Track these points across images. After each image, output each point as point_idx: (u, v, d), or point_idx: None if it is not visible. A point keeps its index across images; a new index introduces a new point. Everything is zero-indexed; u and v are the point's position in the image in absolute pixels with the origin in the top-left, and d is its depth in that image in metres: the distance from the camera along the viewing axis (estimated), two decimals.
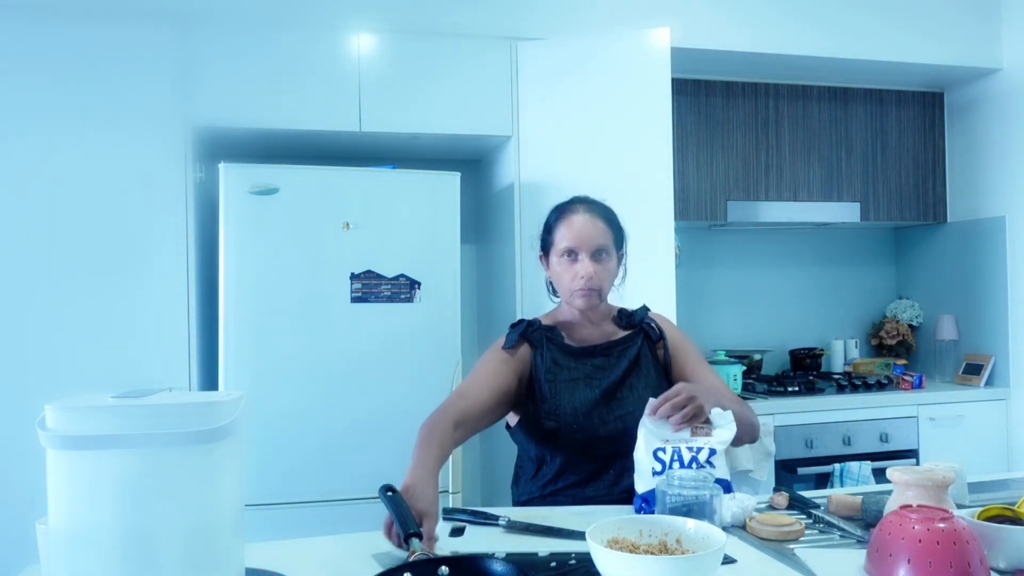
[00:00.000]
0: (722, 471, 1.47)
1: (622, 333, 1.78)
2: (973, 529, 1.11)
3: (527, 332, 1.75)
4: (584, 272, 1.67)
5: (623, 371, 1.71)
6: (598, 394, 1.68)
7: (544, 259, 1.80)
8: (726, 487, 1.45)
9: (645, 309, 1.84)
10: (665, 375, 1.77)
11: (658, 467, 1.46)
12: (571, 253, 1.69)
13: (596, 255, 1.68)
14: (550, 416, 1.68)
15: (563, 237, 1.70)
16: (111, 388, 1.03)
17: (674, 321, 2.12)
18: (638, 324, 1.79)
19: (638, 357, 1.74)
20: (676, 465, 1.45)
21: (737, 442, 1.65)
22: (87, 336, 2.49)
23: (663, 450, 1.47)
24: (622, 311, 1.82)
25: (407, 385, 2.57)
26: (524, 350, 1.74)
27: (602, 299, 1.74)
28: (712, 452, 1.46)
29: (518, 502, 1.77)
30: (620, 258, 1.77)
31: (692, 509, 1.28)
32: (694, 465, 1.45)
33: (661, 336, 1.77)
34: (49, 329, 2.47)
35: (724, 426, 1.51)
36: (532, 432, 1.72)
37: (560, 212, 1.74)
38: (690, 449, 1.46)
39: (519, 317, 2.81)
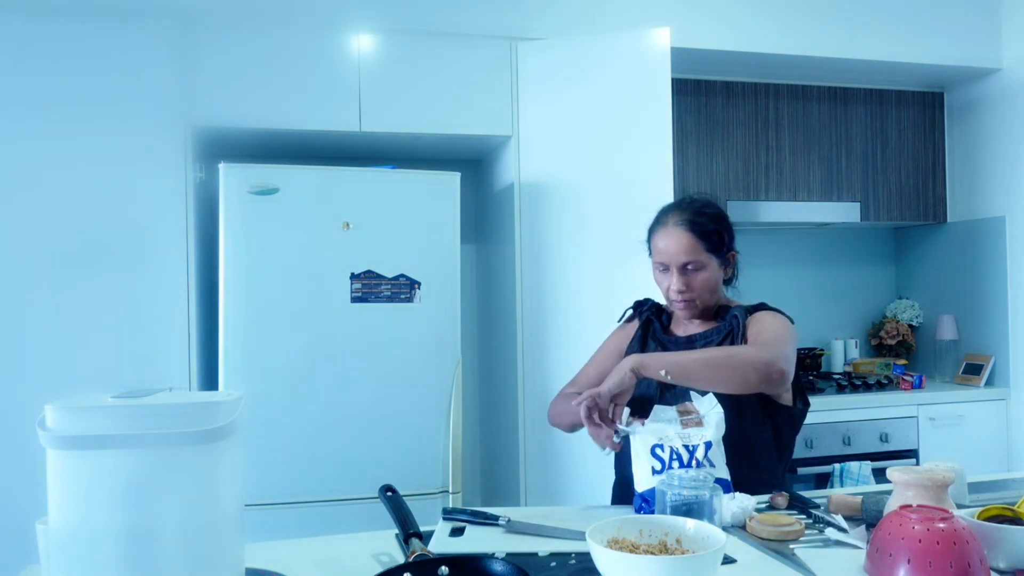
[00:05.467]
0: (721, 470, 1.47)
1: (711, 327, 1.76)
2: (973, 529, 1.11)
3: (636, 308, 1.86)
4: (675, 287, 1.69)
5: None
6: (656, 384, 1.66)
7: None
8: (726, 487, 1.45)
9: (753, 307, 1.77)
10: None
11: (657, 466, 1.46)
12: (662, 266, 1.72)
13: (685, 268, 1.69)
14: None
15: (656, 251, 1.73)
16: (111, 388, 1.03)
17: None
18: (727, 319, 1.75)
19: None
20: (676, 464, 1.45)
21: (747, 386, 1.55)
22: (87, 336, 2.49)
23: (661, 447, 1.47)
24: (722, 307, 1.79)
25: (407, 385, 2.57)
26: (632, 325, 1.85)
27: (701, 305, 1.73)
28: (708, 446, 1.46)
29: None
30: (724, 259, 1.75)
31: (692, 509, 1.28)
32: (694, 463, 1.45)
33: (743, 333, 1.71)
34: (49, 329, 2.47)
35: (709, 411, 1.51)
36: None
37: (656, 221, 1.75)
38: (686, 447, 1.46)
39: (519, 317, 2.84)
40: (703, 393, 1.54)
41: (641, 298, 1.90)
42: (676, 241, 1.69)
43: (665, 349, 1.76)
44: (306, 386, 2.50)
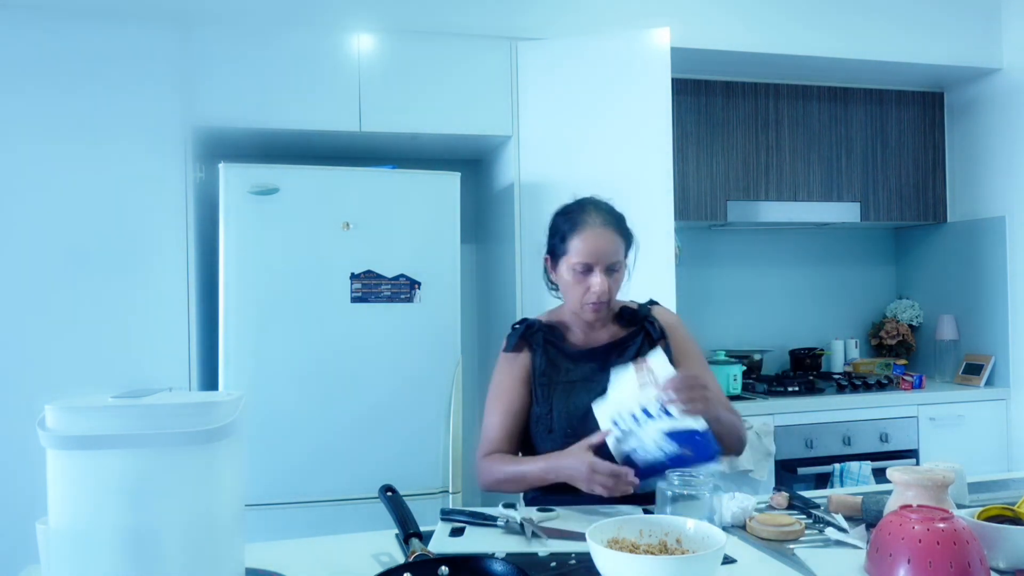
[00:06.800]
0: (687, 421, 1.46)
1: (623, 333, 1.76)
2: (973, 529, 1.11)
3: (526, 335, 1.76)
4: (598, 288, 1.64)
5: None
6: (593, 398, 1.67)
7: (550, 261, 1.75)
8: (704, 437, 1.45)
9: (649, 305, 1.81)
10: None
11: (619, 434, 1.50)
12: (585, 267, 1.65)
13: (609, 269, 1.65)
14: (542, 420, 1.69)
15: (578, 252, 1.64)
16: (111, 388, 1.03)
17: None
18: (639, 322, 1.76)
19: (636, 358, 1.72)
20: (638, 422, 1.48)
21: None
22: (87, 336, 2.49)
23: (621, 416, 1.51)
24: (624, 309, 1.78)
25: (407, 385, 2.57)
26: (525, 352, 1.75)
27: (611, 307, 1.72)
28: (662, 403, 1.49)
29: (526, 498, 1.76)
30: (625, 259, 1.74)
31: (689, 501, 1.31)
32: (656, 416, 1.46)
33: (663, 334, 1.75)
34: (49, 329, 2.47)
35: (662, 367, 1.52)
36: (533, 432, 1.72)
37: (574, 223, 1.66)
38: (644, 411, 1.48)
39: (519, 317, 2.83)
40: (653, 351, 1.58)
41: (518, 322, 1.79)
42: (606, 242, 1.63)
43: (575, 363, 1.72)
44: (306, 386, 2.49)
